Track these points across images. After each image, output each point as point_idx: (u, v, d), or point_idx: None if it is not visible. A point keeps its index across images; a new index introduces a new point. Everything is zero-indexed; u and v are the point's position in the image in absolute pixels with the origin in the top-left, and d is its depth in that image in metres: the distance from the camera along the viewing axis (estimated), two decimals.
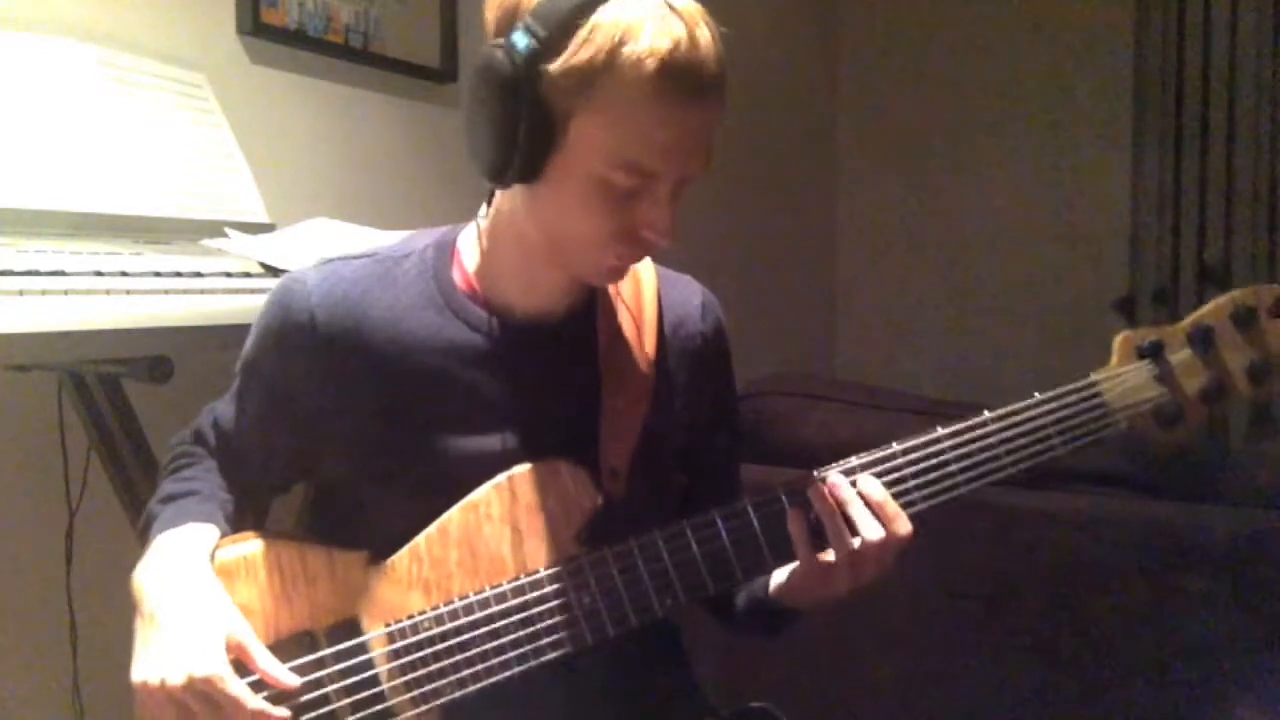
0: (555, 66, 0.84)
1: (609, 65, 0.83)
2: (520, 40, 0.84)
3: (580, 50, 0.83)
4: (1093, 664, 1.54)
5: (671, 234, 0.90)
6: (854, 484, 0.95)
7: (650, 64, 0.82)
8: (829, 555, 0.94)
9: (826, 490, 0.94)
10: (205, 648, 0.87)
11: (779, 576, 1.02)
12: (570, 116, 0.85)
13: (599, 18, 0.83)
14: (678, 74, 0.83)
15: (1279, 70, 3.18)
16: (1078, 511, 1.56)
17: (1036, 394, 0.97)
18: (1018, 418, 0.97)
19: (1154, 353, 0.97)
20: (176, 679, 0.86)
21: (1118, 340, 0.99)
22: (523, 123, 0.85)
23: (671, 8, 0.84)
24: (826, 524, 0.93)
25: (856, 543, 0.93)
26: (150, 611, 0.91)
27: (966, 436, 0.97)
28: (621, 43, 0.82)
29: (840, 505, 0.94)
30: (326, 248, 1.39)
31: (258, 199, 1.62)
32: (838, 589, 0.96)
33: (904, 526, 0.94)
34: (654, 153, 0.86)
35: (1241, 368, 0.97)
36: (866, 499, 0.94)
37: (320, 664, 0.94)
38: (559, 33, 0.83)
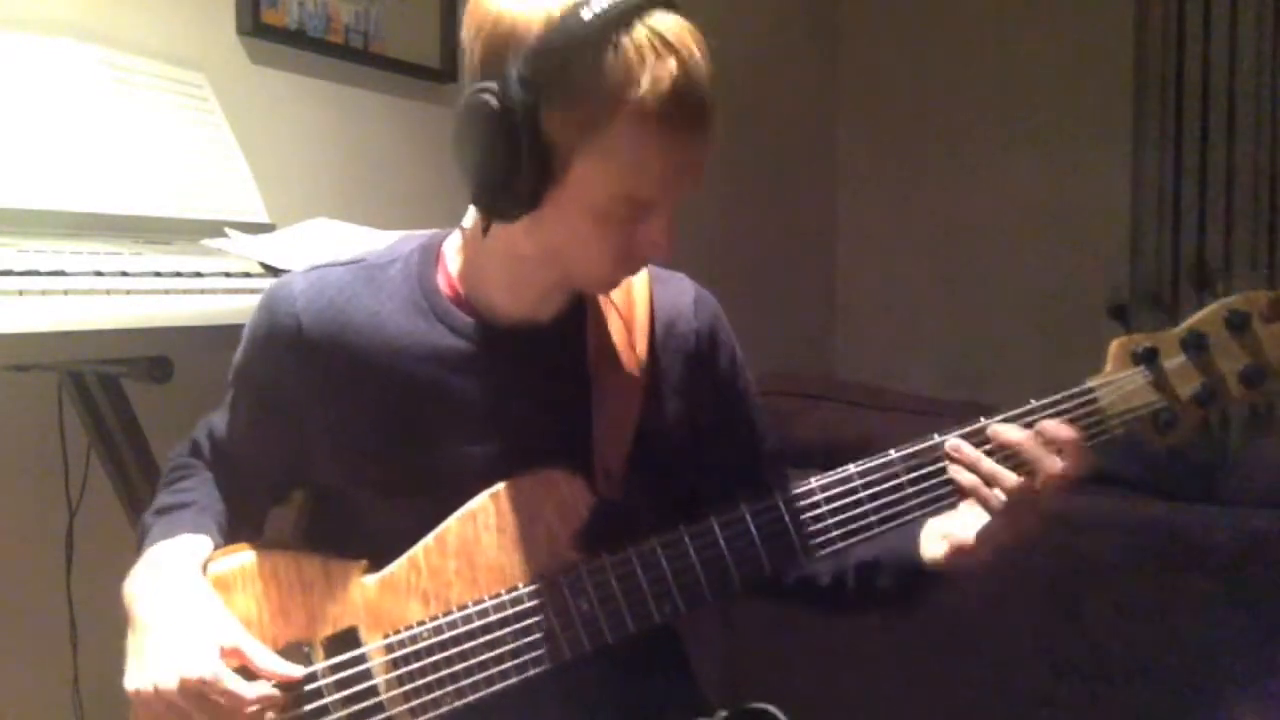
0: (555, 112, 0.84)
1: (610, 110, 0.83)
2: (516, 87, 0.84)
3: (579, 97, 0.83)
4: (1093, 664, 1.54)
5: (669, 251, 0.91)
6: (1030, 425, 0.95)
7: (651, 104, 0.83)
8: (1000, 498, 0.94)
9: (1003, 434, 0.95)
10: (198, 651, 0.87)
11: (939, 540, 1.01)
12: (571, 158, 0.85)
13: (595, 61, 0.83)
14: (677, 111, 0.84)
15: (1279, 70, 3.18)
16: (1078, 511, 1.56)
17: (1033, 400, 0.97)
18: (1015, 423, 0.97)
19: (1149, 359, 0.97)
20: (170, 683, 0.86)
21: (1113, 346, 0.99)
22: (522, 164, 0.85)
23: (663, 40, 0.84)
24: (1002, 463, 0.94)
25: (1040, 478, 0.93)
26: (142, 620, 0.91)
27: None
28: (622, 87, 0.83)
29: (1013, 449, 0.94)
30: (326, 248, 1.39)
31: (258, 199, 1.62)
32: (1027, 523, 0.95)
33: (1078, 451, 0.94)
34: (654, 185, 0.87)
35: (1235, 372, 0.97)
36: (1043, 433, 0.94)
37: (318, 675, 0.94)
38: (556, 78, 0.83)
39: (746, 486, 1.04)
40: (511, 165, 0.85)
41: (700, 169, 0.90)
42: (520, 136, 0.84)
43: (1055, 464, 0.93)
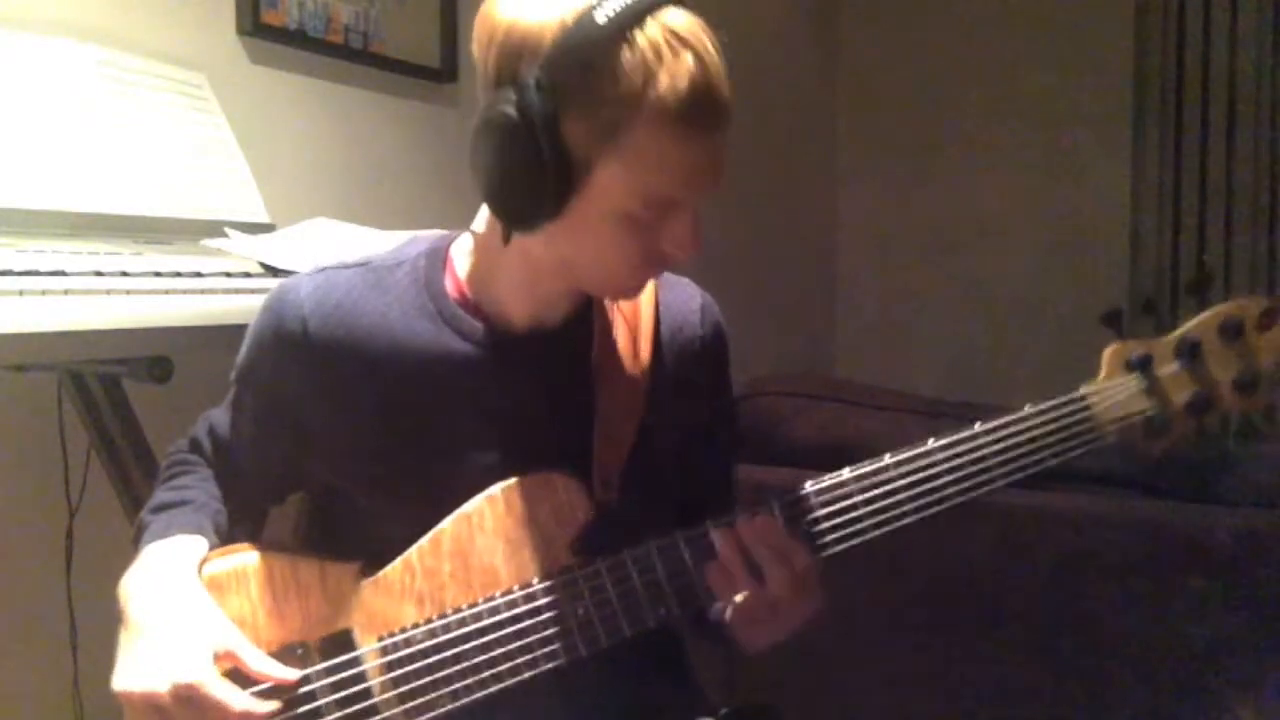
0: (576, 117, 0.83)
1: (631, 113, 0.83)
2: (534, 95, 0.83)
3: (598, 100, 0.83)
4: (1093, 664, 1.54)
5: (698, 248, 0.90)
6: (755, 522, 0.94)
7: (672, 105, 0.83)
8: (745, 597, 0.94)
9: (734, 535, 0.94)
10: (189, 654, 0.87)
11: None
12: (593, 162, 0.85)
13: (612, 63, 0.82)
14: (696, 107, 0.84)
15: (1279, 70, 3.18)
16: (1078, 511, 1.56)
17: (1027, 406, 0.97)
18: (1008, 430, 0.96)
19: (1142, 365, 0.97)
20: (160, 686, 0.86)
21: (1107, 353, 0.98)
22: (544, 172, 0.84)
23: (678, 36, 0.83)
24: (734, 571, 0.93)
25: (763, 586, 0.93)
26: (135, 621, 0.91)
27: (958, 449, 0.96)
28: (641, 87, 0.82)
29: (744, 550, 0.93)
30: (326, 248, 1.40)
31: (258, 199, 1.62)
32: (768, 628, 0.97)
33: (801, 559, 0.93)
34: (677, 184, 0.86)
35: (1228, 380, 0.97)
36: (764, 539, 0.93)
37: (313, 677, 0.93)
38: (575, 84, 0.83)
39: (715, 493, 1.06)
40: (534, 175, 0.84)
41: (721, 165, 0.89)
42: (541, 146, 0.83)
43: (780, 574, 0.92)
